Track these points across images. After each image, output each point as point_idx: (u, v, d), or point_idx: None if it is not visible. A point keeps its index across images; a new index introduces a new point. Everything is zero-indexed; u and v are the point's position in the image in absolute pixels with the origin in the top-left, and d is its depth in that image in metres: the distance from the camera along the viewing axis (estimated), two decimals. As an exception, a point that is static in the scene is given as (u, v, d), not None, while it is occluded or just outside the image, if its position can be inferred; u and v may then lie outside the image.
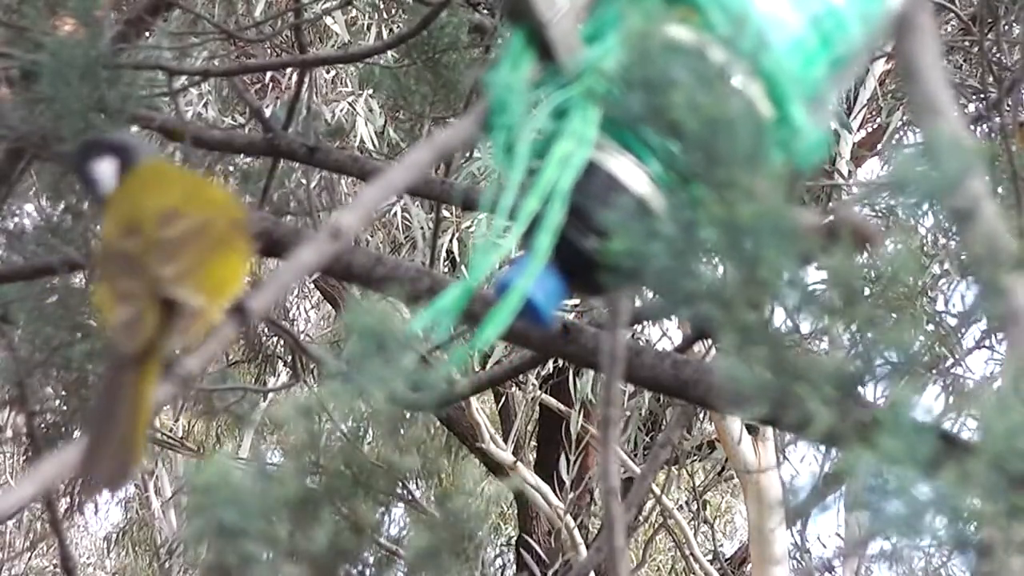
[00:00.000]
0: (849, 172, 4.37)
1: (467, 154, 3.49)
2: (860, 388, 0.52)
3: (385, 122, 4.44)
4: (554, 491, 5.10)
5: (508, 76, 0.65)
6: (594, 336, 1.55)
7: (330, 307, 5.68)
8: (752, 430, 4.07)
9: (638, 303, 1.53)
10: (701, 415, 4.80)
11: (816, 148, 0.65)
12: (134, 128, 1.88)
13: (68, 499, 4.22)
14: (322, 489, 0.49)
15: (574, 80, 0.64)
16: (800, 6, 0.67)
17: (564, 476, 5.10)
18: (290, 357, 4.16)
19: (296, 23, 2.51)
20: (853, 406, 0.49)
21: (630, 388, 4.27)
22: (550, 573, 5.13)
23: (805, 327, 0.54)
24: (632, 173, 0.63)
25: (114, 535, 8.33)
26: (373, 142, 4.51)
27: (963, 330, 3.26)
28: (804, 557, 4.03)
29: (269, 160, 2.17)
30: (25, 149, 1.82)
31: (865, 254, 0.56)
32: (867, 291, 0.53)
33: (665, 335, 4.49)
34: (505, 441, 5.19)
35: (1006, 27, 3.12)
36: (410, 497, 0.58)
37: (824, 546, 5.03)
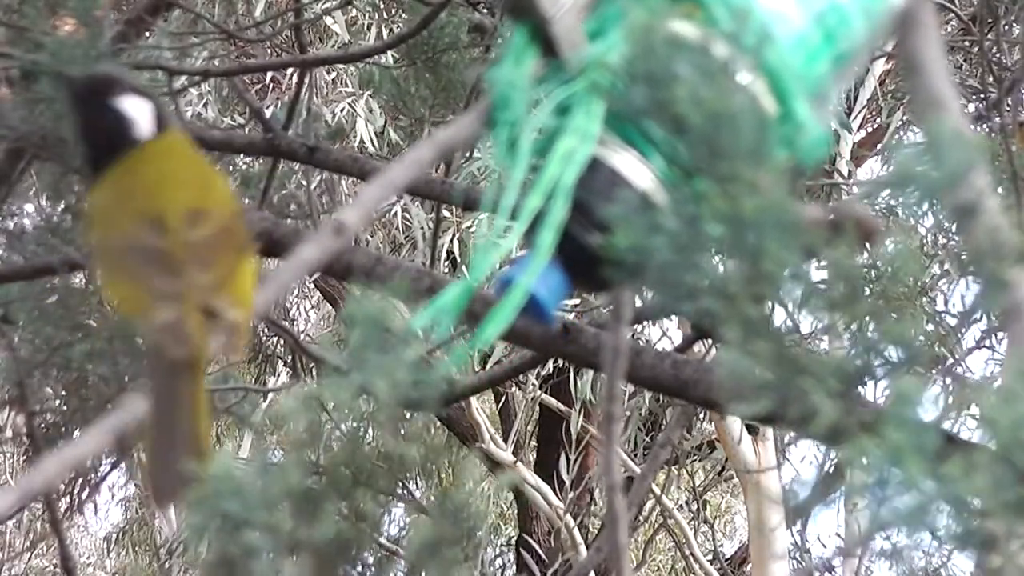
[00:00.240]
0: (849, 172, 4.37)
1: (467, 154, 3.49)
2: (861, 386, 0.52)
3: (385, 123, 4.44)
4: (554, 491, 5.10)
5: (511, 72, 0.65)
6: (594, 336, 1.55)
7: (330, 307, 5.68)
8: (752, 430, 4.07)
9: (639, 303, 1.53)
10: (701, 415, 4.80)
11: (819, 144, 0.65)
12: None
13: (68, 499, 4.22)
14: (325, 482, 0.49)
15: (577, 76, 0.64)
16: (803, 2, 0.67)
17: (564, 476, 5.10)
18: (290, 357, 4.17)
19: (296, 23, 2.51)
20: (857, 400, 0.49)
21: (630, 388, 4.27)
22: (550, 573, 5.13)
23: (805, 326, 0.54)
24: (635, 169, 0.63)
25: (114, 535, 8.33)
26: (373, 143, 4.51)
27: (963, 330, 3.26)
28: (804, 557, 4.03)
29: (269, 161, 2.17)
30: (25, 149, 1.82)
31: (867, 249, 0.56)
32: (868, 289, 0.53)
33: (665, 335, 4.49)
34: (505, 441, 5.19)
35: (1006, 27, 3.12)
36: (410, 496, 0.58)
37: (824, 546, 5.03)
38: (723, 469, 5.61)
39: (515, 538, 5.74)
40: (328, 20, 4.40)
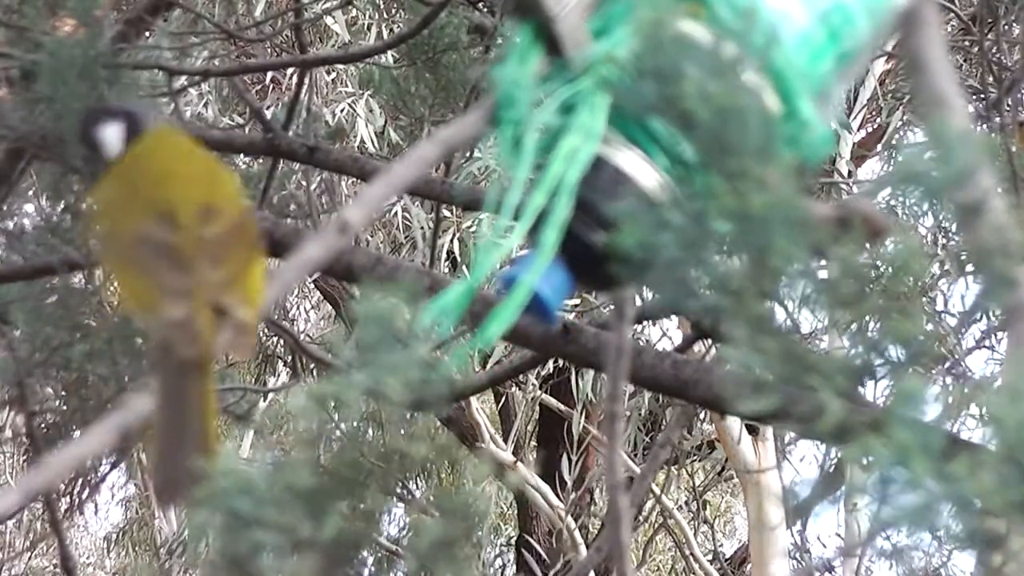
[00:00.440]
0: (849, 172, 4.37)
1: (467, 154, 3.49)
2: (863, 385, 0.52)
3: (385, 122, 4.44)
4: (554, 491, 5.10)
5: (515, 71, 0.65)
6: (594, 336, 1.55)
7: (330, 307, 5.68)
8: (752, 430, 4.07)
9: (639, 302, 1.53)
10: (701, 415, 4.80)
11: (823, 143, 0.65)
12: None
13: (68, 499, 4.22)
14: (334, 479, 0.49)
15: (581, 74, 0.64)
16: (808, 1, 0.67)
17: (566, 476, 5.10)
18: (290, 357, 4.16)
19: (296, 23, 2.51)
20: (863, 399, 0.49)
21: (630, 388, 4.27)
22: (551, 574, 5.13)
23: (805, 325, 0.54)
24: (639, 167, 0.63)
25: (114, 535, 8.32)
26: (373, 143, 4.51)
27: (963, 330, 3.26)
28: (804, 557, 4.03)
29: (269, 161, 2.17)
30: (25, 149, 1.82)
31: (869, 248, 0.56)
32: (872, 287, 0.53)
33: (665, 335, 4.49)
34: (505, 441, 5.19)
35: (1006, 27, 3.12)
36: (409, 496, 0.58)
37: (824, 546, 5.03)
38: (723, 469, 5.61)
39: (515, 538, 5.74)
40: (328, 20, 4.40)
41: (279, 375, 5.49)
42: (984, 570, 0.48)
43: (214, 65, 2.99)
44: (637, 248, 0.56)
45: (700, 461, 5.57)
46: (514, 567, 5.77)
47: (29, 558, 7.52)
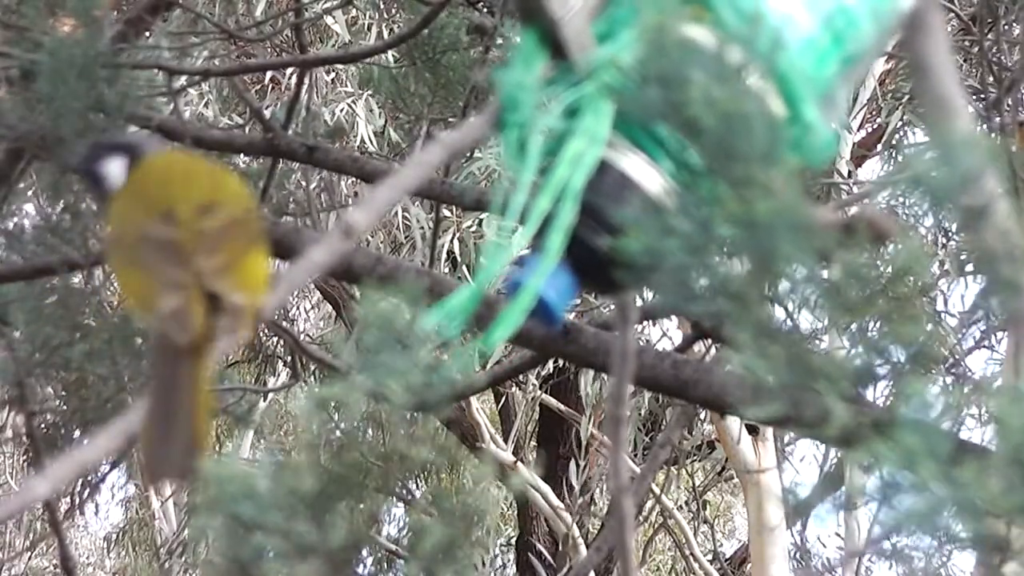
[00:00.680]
0: (849, 172, 4.37)
1: (468, 154, 3.49)
2: (867, 388, 0.52)
3: (385, 122, 4.44)
4: (557, 494, 5.10)
5: (520, 74, 0.64)
6: (594, 336, 1.55)
7: (330, 307, 5.68)
8: (752, 430, 4.07)
9: (642, 302, 1.53)
10: (701, 415, 4.80)
11: (827, 147, 0.65)
12: (133, 128, 1.88)
13: (68, 499, 4.22)
14: (337, 483, 0.49)
15: (586, 78, 0.64)
16: (812, 5, 0.67)
17: (573, 481, 5.11)
18: (290, 357, 4.16)
19: (296, 23, 2.50)
20: (868, 403, 0.49)
21: (630, 388, 4.26)
22: (558, 577, 5.13)
23: (804, 325, 0.54)
24: (644, 172, 0.63)
25: (114, 535, 8.33)
26: (372, 142, 4.51)
27: (964, 330, 3.26)
28: (804, 557, 4.03)
29: (268, 160, 2.17)
30: (25, 149, 1.82)
31: (878, 250, 0.56)
32: (874, 291, 0.53)
33: (665, 335, 4.48)
34: (505, 441, 5.19)
35: (1006, 27, 3.13)
36: (410, 496, 0.58)
37: (824, 546, 5.03)
38: (723, 469, 5.61)
39: (515, 538, 5.74)
40: (328, 20, 4.40)
41: (279, 375, 5.49)
42: (985, 571, 0.48)
43: (214, 65, 2.99)
44: (643, 253, 0.56)
45: (700, 461, 5.57)
46: (514, 567, 5.77)
47: (29, 558, 7.52)
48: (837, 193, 3.66)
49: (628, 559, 0.76)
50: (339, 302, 4.94)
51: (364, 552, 0.53)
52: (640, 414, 5.03)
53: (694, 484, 5.50)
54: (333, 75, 4.72)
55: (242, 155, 2.62)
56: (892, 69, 4.58)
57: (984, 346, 3.33)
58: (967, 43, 3.66)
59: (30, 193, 2.22)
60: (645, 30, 0.59)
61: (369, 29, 4.56)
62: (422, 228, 4.61)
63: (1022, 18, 3.23)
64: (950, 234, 3.81)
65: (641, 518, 5.31)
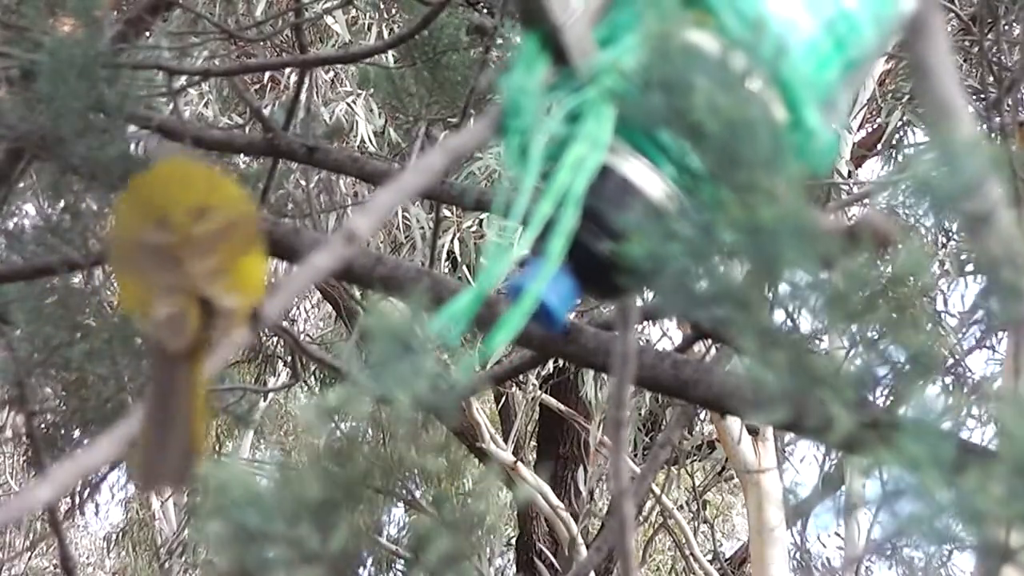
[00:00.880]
0: (849, 172, 4.38)
1: (468, 154, 3.49)
2: (868, 393, 0.52)
3: (385, 122, 4.44)
4: (555, 492, 5.10)
5: (522, 79, 0.64)
6: (594, 336, 1.55)
7: (330, 307, 5.68)
8: (752, 430, 4.07)
9: (642, 302, 1.53)
10: (701, 415, 4.80)
11: (828, 152, 0.65)
12: (133, 128, 1.87)
13: (68, 499, 4.22)
14: (341, 489, 0.49)
15: (588, 83, 0.64)
16: (814, 10, 0.67)
17: (581, 487, 5.11)
18: (290, 357, 4.16)
19: (296, 23, 2.50)
20: (873, 405, 0.49)
21: (631, 388, 4.26)
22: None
23: (804, 325, 0.54)
24: (646, 177, 0.63)
25: (114, 535, 8.33)
26: (372, 142, 4.51)
27: (964, 330, 3.26)
28: (804, 557, 4.03)
29: (268, 160, 2.17)
30: (25, 149, 1.82)
31: (882, 256, 0.56)
32: (878, 297, 0.53)
33: (665, 335, 4.49)
34: (505, 441, 5.19)
35: (1006, 27, 3.13)
36: (411, 497, 0.58)
37: (824, 546, 5.04)
38: (723, 469, 5.61)
39: (516, 538, 5.74)
40: (328, 20, 4.40)
41: (279, 375, 5.49)
42: (985, 574, 0.48)
43: (214, 65, 2.99)
44: (645, 258, 0.56)
45: (700, 461, 5.57)
46: (514, 567, 5.77)
47: (29, 558, 7.52)
48: (837, 193, 3.66)
49: (628, 561, 0.76)
50: (339, 302, 4.94)
51: (369, 560, 0.53)
52: (640, 414, 5.04)
53: (694, 484, 5.50)
54: (331, 74, 4.72)
55: (242, 155, 2.62)
56: (892, 69, 4.59)
57: (984, 346, 3.33)
58: (967, 43, 3.66)
59: (30, 193, 2.21)
60: (648, 35, 0.59)
61: (369, 29, 4.56)
62: (422, 228, 4.61)
63: (1022, 18, 3.23)
64: (951, 234, 3.82)
65: (641, 518, 5.31)
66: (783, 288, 0.53)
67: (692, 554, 5.03)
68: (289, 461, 0.53)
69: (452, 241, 4.55)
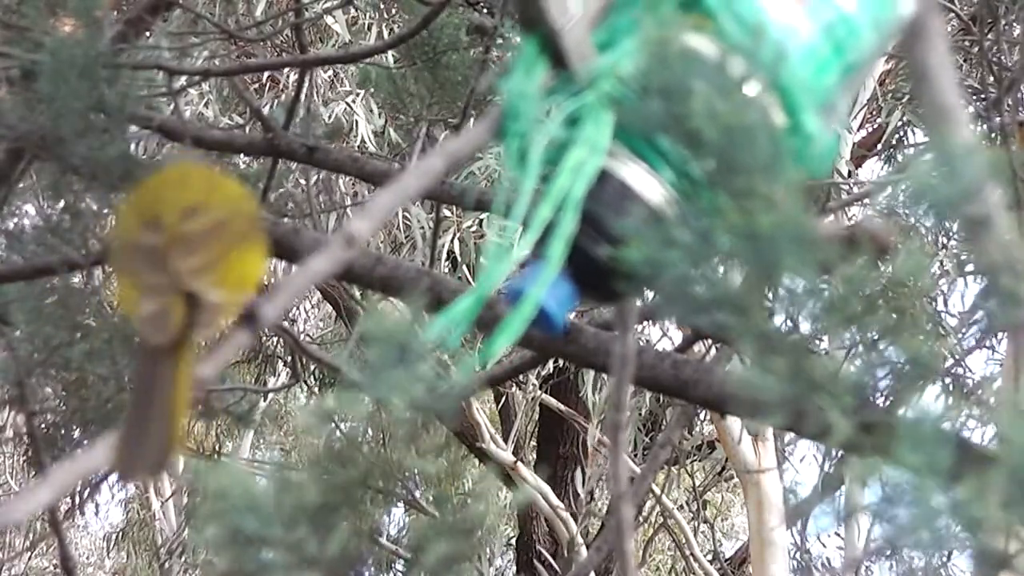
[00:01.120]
0: (849, 172, 4.38)
1: (467, 154, 3.48)
2: (867, 399, 0.52)
3: (385, 122, 4.44)
4: (555, 492, 5.10)
5: (521, 83, 0.64)
6: (594, 336, 1.55)
7: (330, 307, 5.68)
8: (752, 431, 4.07)
9: (641, 302, 1.52)
10: (701, 415, 4.80)
11: (827, 156, 0.65)
12: (133, 128, 1.87)
13: (68, 499, 4.22)
14: (339, 493, 0.49)
15: (587, 87, 0.64)
16: (813, 14, 0.67)
17: (579, 488, 5.11)
18: (290, 357, 4.16)
19: (296, 23, 2.50)
20: (871, 415, 0.49)
21: (630, 388, 4.26)
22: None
23: (805, 327, 0.54)
24: (645, 181, 0.63)
25: (114, 535, 8.33)
26: (372, 142, 4.51)
27: (964, 330, 3.26)
28: (804, 557, 4.03)
29: (268, 160, 2.17)
30: (25, 149, 1.82)
31: (881, 261, 0.56)
32: (877, 303, 0.53)
33: (665, 335, 4.48)
34: (505, 441, 5.19)
35: (1006, 27, 3.13)
36: (411, 498, 0.58)
37: (824, 546, 5.04)
38: (723, 469, 5.61)
39: (515, 539, 5.74)
40: (328, 20, 4.40)
41: (279, 375, 5.49)
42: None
43: (214, 65, 2.99)
44: (643, 264, 0.56)
45: (700, 461, 5.57)
46: (514, 567, 5.77)
47: (29, 558, 7.52)
48: (837, 193, 3.66)
49: (627, 564, 0.76)
50: (339, 302, 4.94)
51: (368, 563, 0.53)
52: (640, 414, 5.04)
53: (694, 484, 5.50)
54: (332, 74, 4.72)
55: (242, 155, 2.62)
56: (892, 69, 4.58)
57: (984, 346, 3.33)
58: (967, 43, 3.66)
59: (30, 193, 2.21)
60: (646, 40, 0.59)
61: (369, 29, 4.56)
62: (422, 228, 4.61)
63: (1022, 18, 3.23)
64: (951, 234, 3.81)
65: (641, 518, 5.31)
66: (782, 293, 0.53)
67: (692, 554, 5.03)
68: (288, 463, 0.53)
69: (452, 241, 4.55)
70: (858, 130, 4.83)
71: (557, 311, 0.63)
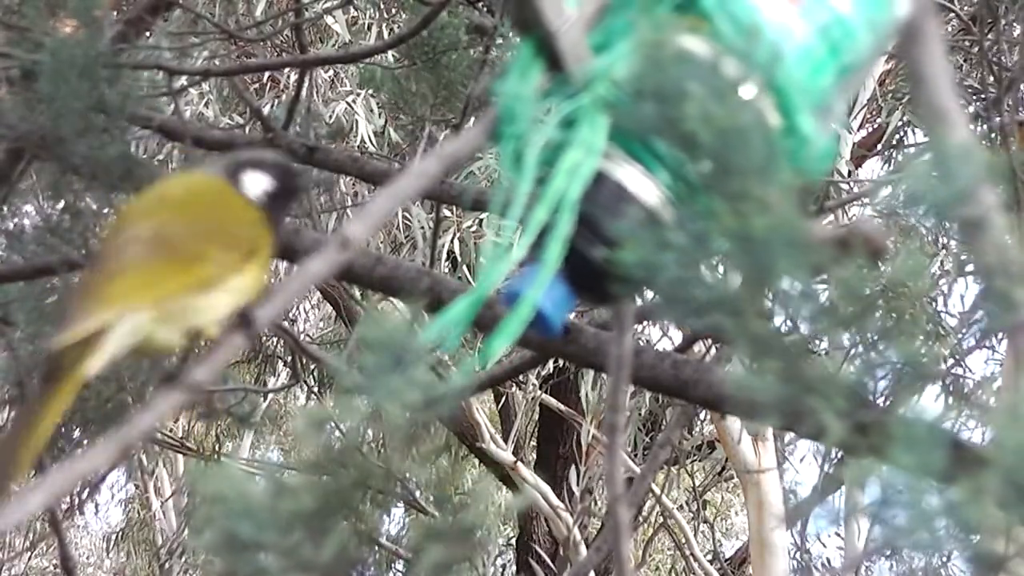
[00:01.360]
0: (849, 172, 4.38)
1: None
2: (862, 400, 0.52)
3: (386, 122, 4.44)
4: (558, 496, 5.10)
5: (517, 85, 0.64)
6: (594, 336, 1.55)
7: (330, 307, 5.68)
8: (752, 431, 4.07)
9: (640, 303, 1.53)
10: (701, 415, 4.80)
11: (823, 158, 0.65)
12: (134, 128, 1.87)
13: (68, 499, 4.22)
14: (336, 502, 0.49)
15: (582, 89, 0.64)
16: (808, 15, 0.67)
17: (575, 487, 5.11)
18: (290, 357, 4.17)
19: (296, 23, 2.51)
20: (865, 416, 0.49)
21: (630, 388, 4.27)
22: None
23: (804, 327, 0.54)
24: (640, 183, 0.63)
25: (114, 535, 8.34)
26: (372, 142, 4.51)
27: (964, 331, 3.26)
28: (804, 557, 4.03)
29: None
30: (25, 149, 1.82)
31: (876, 264, 0.56)
32: (873, 306, 0.53)
33: (665, 335, 4.49)
34: (505, 441, 5.19)
35: (1006, 27, 3.13)
36: (411, 498, 0.58)
37: (824, 546, 5.04)
38: (723, 469, 5.61)
39: (515, 539, 5.74)
40: (328, 20, 4.40)
41: (279, 375, 5.50)
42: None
43: (214, 65, 2.99)
44: (639, 266, 0.56)
45: (700, 461, 5.57)
46: (514, 567, 5.77)
47: (29, 558, 7.52)
48: (837, 193, 3.67)
49: (623, 566, 0.76)
50: (339, 302, 4.94)
51: (364, 567, 0.53)
52: (640, 414, 5.04)
53: (694, 484, 5.50)
54: (332, 74, 4.72)
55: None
56: (892, 69, 4.58)
57: (984, 346, 3.33)
58: (967, 43, 3.66)
59: (30, 193, 2.21)
60: (642, 43, 0.59)
61: (369, 29, 4.56)
62: (422, 228, 4.61)
63: (1022, 18, 3.23)
64: (951, 234, 3.81)
65: (641, 518, 5.31)
66: (778, 295, 0.53)
67: (692, 554, 5.03)
68: (287, 464, 0.54)
69: (452, 241, 4.55)
70: (858, 130, 4.83)
71: (553, 313, 0.63)
